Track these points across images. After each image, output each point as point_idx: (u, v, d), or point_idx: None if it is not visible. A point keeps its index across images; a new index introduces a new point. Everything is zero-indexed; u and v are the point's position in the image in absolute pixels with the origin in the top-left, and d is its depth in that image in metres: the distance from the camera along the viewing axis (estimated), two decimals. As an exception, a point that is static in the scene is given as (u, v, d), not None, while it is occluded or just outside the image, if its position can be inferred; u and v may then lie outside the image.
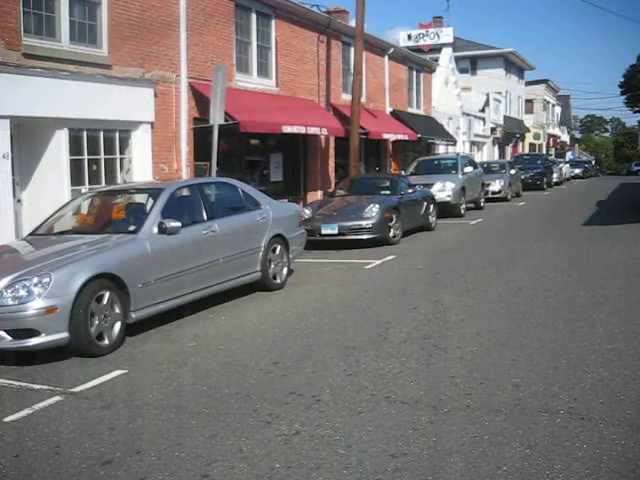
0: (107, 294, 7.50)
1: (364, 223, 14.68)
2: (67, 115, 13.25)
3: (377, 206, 14.92)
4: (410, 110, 31.29)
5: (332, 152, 23.79)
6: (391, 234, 15.11)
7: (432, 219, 17.89)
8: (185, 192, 9.48)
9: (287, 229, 10.76)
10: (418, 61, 32.41)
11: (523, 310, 8.27)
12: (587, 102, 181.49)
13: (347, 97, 24.76)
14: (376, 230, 14.71)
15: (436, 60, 35.72)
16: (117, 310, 7.64)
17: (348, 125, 21.75)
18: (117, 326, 7.63)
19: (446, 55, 36.49)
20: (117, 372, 6.75)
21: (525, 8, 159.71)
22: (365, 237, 14.69)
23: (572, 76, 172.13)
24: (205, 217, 9.23)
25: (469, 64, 48.58)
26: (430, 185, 21.10)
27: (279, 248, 10.51)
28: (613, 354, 6.35)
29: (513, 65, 52.49)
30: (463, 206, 21.75)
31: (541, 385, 5.60)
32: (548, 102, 65.65)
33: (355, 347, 7.05)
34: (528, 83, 58.99)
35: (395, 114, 28.91)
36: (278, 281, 10.50)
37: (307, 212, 15.44)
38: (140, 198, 9.51)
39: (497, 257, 12.66)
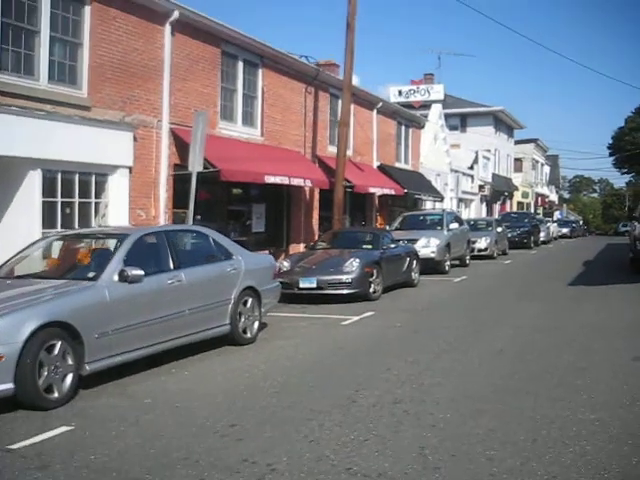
0: (59, 344, 7.00)
1: (344, 278, 14.25)
2: (41, 156, 12.90)
3: (357, 260, 14.51)
4: (398, 165, 31.18)
5: (316, 204, 23.50)
6: (371, 289, 14.67)
7: (415, 275, 17.48)
8: (152, 239, 9.04)
9: (260, 281, 10.31)
10: (407, 116, 32.44)
11: (503, 374, 7.80)
12: (576, 162, 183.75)
13: (333, 149, 24.54)
14: (356, 285, 14.27)
15: (426, 116, 35.81)
16: (69, 361, 7.14)
17: (333, 177, 21.48)
18: (69, 378, 7.12)
19: (436, 111, 36.61)
20: (63, 428, 6.22)
21: (516, 69, 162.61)
22: (344, 292, 14.24)
23: (561, 136, 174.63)
24: (172, 266, 8.78)
25: (459, 121, 48.85)
26: (414, 240, 20.75)
27: (250, 301, 10.05)
28: (597, 425, 5.88)
29: (503, 123, 52.87)
30: (448, 263, 21.38)
31: (517, 459, 5.11)
32: (537, 161, 66.08)
33: (321, 410, 6.54)
34: (517, 142, 59.40)
35: (382, 168, 28.76)
36: (248, 335, 10.00)
37: (285, 264, 15.02)
38: (105, 243, 9.07)
39: (479, 316, 12.23)
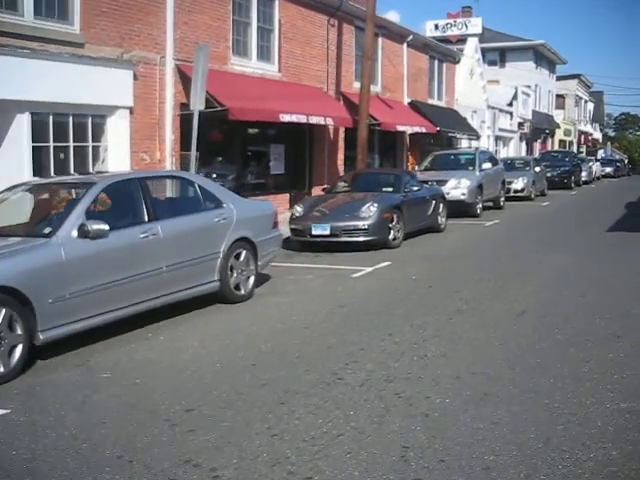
0: (3, 311, 6.07)
1: (360, 224, 13.11)
2: (29, 98, 11.88)
3: (375, 205, 13.34)
4: (431, 102, 29.59)
5: (341, 144, 22.23)
6: (391, 236, 13.52)
7: (441, 220, 16.26)
8: (123, 188, 7.99)
9: (256, 232, 9.24)
10: (441, 50, 30.66)
11: (521, 343, 6.68)
12: (622, 99, 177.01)
13: (359, 85, 23.19)
14: (373, 232, 13.14)
15: (462, 51, 33.91)
16: (18, 331, 6.22)
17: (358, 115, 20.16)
18: (17, 350, 6.22)
19: (472, 45, 34.66)
20: (-1, 412, 5.33)
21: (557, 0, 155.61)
22: (361, 239, 13.13)
23: (607, 71, 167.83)
24: (146, 218, 7.74)
25: (497, 56, 46.57)
26: (444, 182, 19.45)
27: (244, 254, 9.01)
28: (627, 418, 4.76)
29: (544, 58, 50.31)
30: (479, 205, 20.05)
31: (522, 469, 4.04)
32: (580, 98, 63.22)
33: (298, 391, 5.53)
34: (559, 78, 56.68)
35: (413, 105, 27.24)
36: (242, 292, 8.99)
37: (298, 210, 13.94)
38: (73, 194, 8.06)
39: (506, 268, 11.05)
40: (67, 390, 5.86)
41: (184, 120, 15.34)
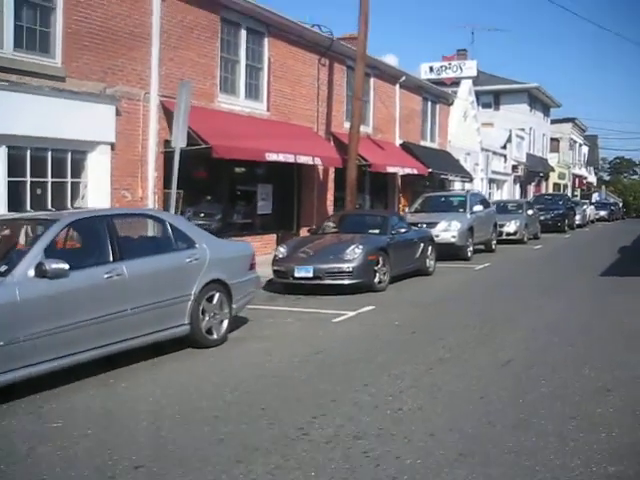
0: (-52, 354, 5.64)
1: (344, 266, 12.72)
2: (6, 131, 11.60)
3: (360, 247, 12.96)
4: (423, 143, 29.45)
5: (331, 184, 21.97)
6: (376, 279, 13.12)
7: (430, 262, 15.88)
8: (87, 226, 7.61)
9: (231, 273, 8.84)
10: (434, 92, 30.62)
11: (503, 396, 6.24)
12: (615, 142, 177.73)
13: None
14: (358, 275, 12.74)
15: (456, 93, 33.89)
16: (-34, 376, 5.79)
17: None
18: (-37, 397, 5.76)
19: (466, 87, 34.65)
20: None
21: (552, 44, 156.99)
22: (345, 282, 12.72)
23: (601, 114, 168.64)
24: (111, 257, 7.33)
25: (492, 99, 46.69)
26: (434, 224, 19.18)
27: (217, 296, 8.59)
28: (616, 485, 4.32)
29: (538, 101, 50.49)
30: (470, 248, 19.70)
31: None
32: (575, 141, 63.38)
33: (258, 447, 5.08)
34: (554, 121, 56.85)
35: (405, 146, 27.07)
36: (214, 336, 8.56)
37: (282, 251, 13.55)
38: (36, 231, 7.67)
39: (494, 313, 10.64)
40: (13, 440, 5.42)
41: (168, 157, 15.02)
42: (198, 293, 8.27)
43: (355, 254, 12.82)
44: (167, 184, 15.21)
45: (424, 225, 19.07)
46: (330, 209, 21.75)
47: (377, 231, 14.36)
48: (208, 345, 8.43)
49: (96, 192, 13.50)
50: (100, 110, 13.32)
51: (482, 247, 21.83)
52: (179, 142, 12.64)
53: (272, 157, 16.35)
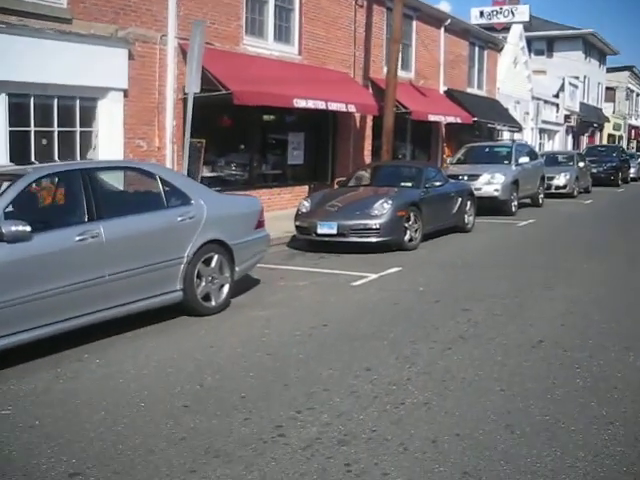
0: None
1: (371, 223, 11.70)
2: (5, 77, 10.78)
3: (389, 202, 11.91)
4: (469, 90, 27.92)
5: (369, 133, 20.81)
6: (407, 237, 12.09)
7: (469, 218, 14.74)
8: (59, 181, 6.76)
9: (232, 233, 7.92)
10: (482, 36, 28.92)
11: (529, 389, 5.23)
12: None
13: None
14: (386, 232, 11.72)
15: (506, 38, 32.04)
16: None
17: (388, 103, 18.74)
18: None
19: (516, 32, 32.74)
20: None
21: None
22: (372, 240, 11.73)
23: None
24: (86, 217, 6.47)
25: (545, 45, 44.42)
26: (476, 176, 17.98)
27: (216, 259, 7.70)
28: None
29: (594, 48, 47.86)
30: (515, 203, 18.45)
31: None
32: (632, 91, 60.29)
33: (220, 452, 4.22)
34: (610, 69, 54.04)
35: (450, 94, 25.62)
36: (212, 303, 7.70)
37: (306, 205, 12.58)
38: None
39: (532, 279, 9.56)
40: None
41: (187, 105, 14.11)
42: (192, 255, 7.39)
43: (383, 209, 11.79)
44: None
45: (465, 177, 17.92)
46: (367, 159, 20.64)
47: (410, 184, 13.26)
48: (205, 313, 7.59)
49: (108, 142, 12.67)
50: (111, 54, 12.39)
51: (529, 201, 20.56)
52: (192, 87, 11.69)
53: (301, 103, 15.26)
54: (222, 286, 7.84)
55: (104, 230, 6.48)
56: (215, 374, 5.71)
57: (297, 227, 12.33)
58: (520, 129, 30.30)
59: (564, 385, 5.29)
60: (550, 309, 7.79)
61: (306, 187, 18.11)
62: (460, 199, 14.28)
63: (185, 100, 13.93)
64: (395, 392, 5.19)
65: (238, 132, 16.13)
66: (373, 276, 9.81)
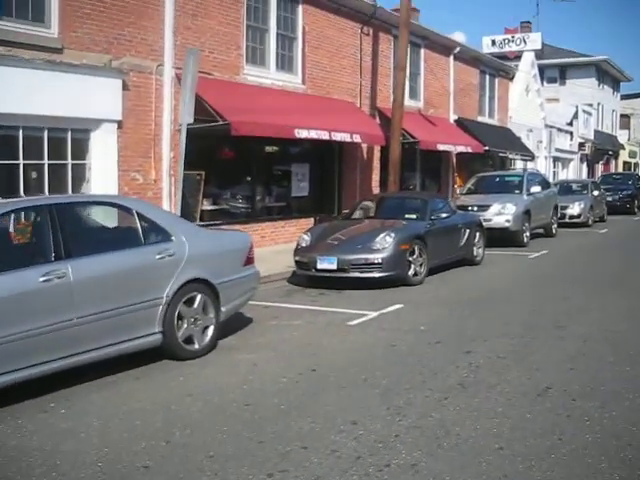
0: None
1: (372, 257, 11.18)
2: (-7, 109, 10.44)
3: (392, 235, 11.39)
4: (481, 119, 27.50)
5: (376, 164, 20.39)
6: (411, 272, 11.55)
7: (477, 251, 14.18)
8: (25, 218, 6.31)
9: (218, 271, 7.44)
10: (493, 64, 28.56)
11: (532, 447, 4.65)
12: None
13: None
14: (389, 267, 11.20)
15: (517, 66, 31.67)
16: None
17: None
18: None
19: (528, 59, 32.39)
20: None
21: (622, 12, 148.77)
22: (374, 275, 11.20)
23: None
24: (52, 256, 6.00)
25: (557, 73, 43.99)
26: (486, 207, 17.46)
27: (199, 299, 7.21)
28: None
29: (607, 75, 47.39)
30: (527, 233, 17.87)
31: None
32: (648, 117, 59.70)
33: (172, 530, 3.67)
34: (624, 96, 53.51)
35: (460, 123, 25.20)
36: (196, 346, 7.19)
37: (305, 239, 12.09)
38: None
39: (542, 316, 8.98)
40: None
41: (188, 136, 13.74)
42: (172, 295, 6.90)
43: (385, 243, 11.27)
44: (186, 164, 13.96)
45: (475, 208, 17.40)
46: (375, 190, 20.19)
47: (415, 216, 12.74)
48: (187, 357, 7.08)
49: (102, 175, 12.29)
50: (104, 84, 12.06)
51: (542, 231, 19.98)
52: (186, 117, 11.31)
53: (303, 134, 14.86)
54: (206, 328, 7.34)
55: (72, 270, 6.00)
56: (185, 428, 5.18)
57: (297, 262, 11.83)
58: (533, 158, 29.80)
59: (571, 441, 4.70)
60: (560, 350, 7.20)
61: (311, 219, 17.62)
62: (468, 231, 13.74)
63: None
64: (380, 451, 4.63)
65: (240, 164, 15.74)
66: (372, 314, 9.27)
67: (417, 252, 11.69)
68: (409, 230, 11.90)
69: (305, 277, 11.94)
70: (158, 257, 6.85)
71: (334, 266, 11.15)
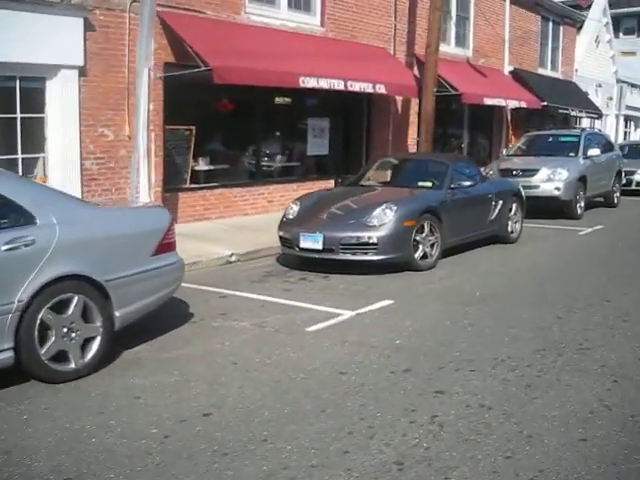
0: None
1: (366, 235, 9.04)
2: None
3: (393, 209, 9.20)
4: (541, 71, 24.61)
5: (414, 119, 17.97)
6: (418, 254, 9.38)
7: (513, 226, 11.85)
8: None
9: (107, 263, 5.49)
10: (557, 10, 25.47)
11: None
12: None
13: (441, 48, 18.88)
14: (387, 248, 9.04)
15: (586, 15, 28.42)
16: None
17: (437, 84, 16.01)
18: None
19: (599, 6, 28.98)
20: None
21: None
22: (368, 259, 9.08)
23: None
24: None
25: (636, 23, 40.00)
26: (533, 171, 15.09)
27: (75, 303, 5.28)
28: None
29: (696, 25, 43.02)
30: (581, 204, 15.35)
31: None
32: None
33: None
34: None
35: (517, 75, 22.44)
36: (71, 365, 5.29)
37: (294, 209, 10.02)
38: None
39: (567, 327, 6.76)
40: None
41: (169, 85, 11.78)
42: (30, 299, 4.98)
43: (385, 218, 9.10)
44: (170, 119, 12.05)
45: (520, 172, 15.00)
46: (413, 149, 17.87)
47: (430, 184, 10.49)
48: (56, 379, 5.19)
49: (61, 131, 10.44)
50: (61, 24, 10.12)
51: (602, 200, 17.39)
52: (142, 61, 9.27)
53: (310, 83, 12.68)
54: (89, 340, 5.40)
55: None
56: None
57: (280, 238, 9.80)
58: (600, 116, 26.78)
59: None
60: (592, 377, 5.00)
61: (332, 181, 15.48)
62: (501, 202, 11.41)
63: (166, 80, 11.67)
64: None
65: (243, 117, 13.67)
66: (346, 315, 7.20)
67: (427, 229, 9.49)
68: (418, 202, 9.68)
69: (292, 258, 9.92)
70: (5, 248, 4.91)
71: (319, 245, 9.06)
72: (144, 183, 11.51)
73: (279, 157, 14.84)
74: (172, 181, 12.29)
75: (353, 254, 9.05)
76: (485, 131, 22.38)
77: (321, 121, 15.37)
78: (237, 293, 8.22)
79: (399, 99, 17.25)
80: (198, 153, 12.82)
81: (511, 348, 6.02)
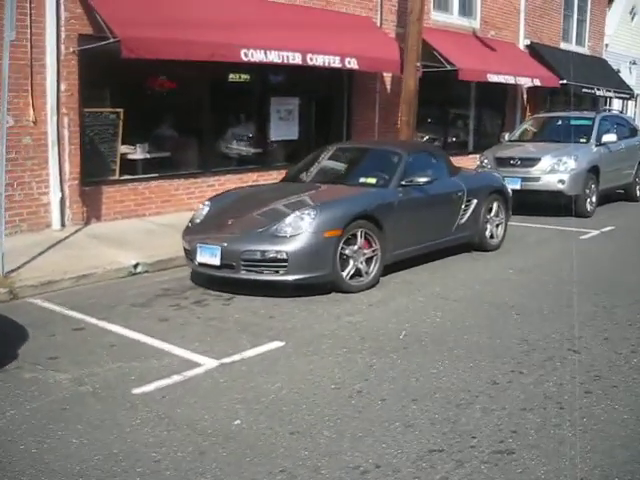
0: None
1: (274, 249, 7.07)
2: None
3: (311, 215, 7.21)
4: (564, 46, 22.17)
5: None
6: (347, 272, 7.40)
7: (494, 231, 9.77)
8: None
9: None
10: (584, -24, 22.95)
11: None
12: None
13: (442, 17, 16.82)
14: (301, 265, 7.06)
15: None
16: None
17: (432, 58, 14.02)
18: None
19: (635, -27, 26.31)
20: None
21: None
22: (277, 279, 7.14)
23: None
24: None
25: (680, -8, 36.92)
26: (534, 161, 12.99)
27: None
28: None
29: None
30: (592, 199, 13.14)
31: None
32: None
33: None
34: None
35: (534, 49, 20.11)
36: None
37: (202, 212, 8.11)
38: None
39: (504, 399, 4.77)
40: None
41: (86, 61, 9.94)
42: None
43: (298, 227, 7.13)
44: (91, 101, 10.24)
45: (518, 162, 12.90)
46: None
47: (373, 180, 8.44)
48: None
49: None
50: None
51: (622, 191, 15.15)
52: (7, 31, 7.39)
53: (256, 57, 10.68)
54: None
55: None
56: None
57: (184, 248, 7.90)
58: (632, 96, 24.23)
59: None
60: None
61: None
62: (475, 201, 9.33)
63: (81, 55, 9.84)
64: None
65: (186, 98, 11.80)
66: (203, 367, 5.33)
67: (360, 240, 7.50)
68: (348, 205, 7.61)
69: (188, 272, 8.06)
70: None
71: (216, 260, 7.14)
72: (54, 175, 9.87)
73: (234, 143, 12.91)
74: (94, 173, 10.51)
75: (259, 272, 7.11)
76: (496, 113, 20.09)
77: (288, 101, 13.37)
78: (100, 323, 6.41)
79: (388, 76, 15.21)
80: (131, 140, 10.98)
81: (393, 447, 4.05)
